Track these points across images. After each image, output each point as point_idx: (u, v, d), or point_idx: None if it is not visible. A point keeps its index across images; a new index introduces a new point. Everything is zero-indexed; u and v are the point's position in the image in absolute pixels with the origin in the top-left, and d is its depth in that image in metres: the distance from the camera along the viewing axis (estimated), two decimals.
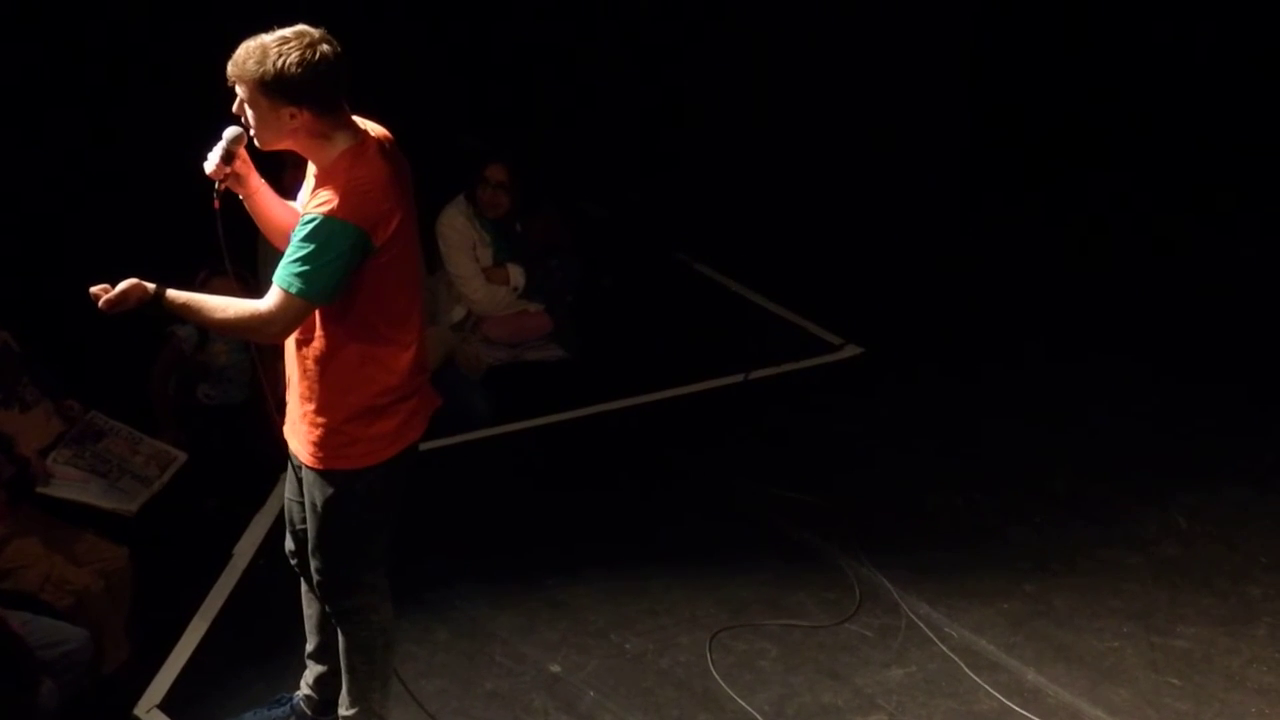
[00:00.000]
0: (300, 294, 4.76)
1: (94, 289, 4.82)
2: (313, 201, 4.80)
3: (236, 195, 5.00)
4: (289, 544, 5.46)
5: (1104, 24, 10.40)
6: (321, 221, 4.73)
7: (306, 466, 5.11)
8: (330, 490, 5.07)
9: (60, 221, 8.35)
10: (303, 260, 4.74)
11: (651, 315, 8.84)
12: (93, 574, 6.01)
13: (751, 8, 9.77)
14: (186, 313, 4.88)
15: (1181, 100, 10.37)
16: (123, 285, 4.81)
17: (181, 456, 6.71)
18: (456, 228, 7.95)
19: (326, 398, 4.98)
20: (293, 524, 5.41)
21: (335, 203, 4.73)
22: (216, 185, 4.90)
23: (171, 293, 4.84)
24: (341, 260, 4.74)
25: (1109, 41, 10.38)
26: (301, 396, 5.05)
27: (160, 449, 6.73)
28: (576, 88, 9.98)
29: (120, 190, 8.38)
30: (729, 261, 9.37)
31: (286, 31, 4.73)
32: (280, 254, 4.87)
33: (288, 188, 5.33)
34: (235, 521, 6.85)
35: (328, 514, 5.10)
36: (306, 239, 4.74)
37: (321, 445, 5.03)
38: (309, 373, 5.00)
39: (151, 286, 4.83)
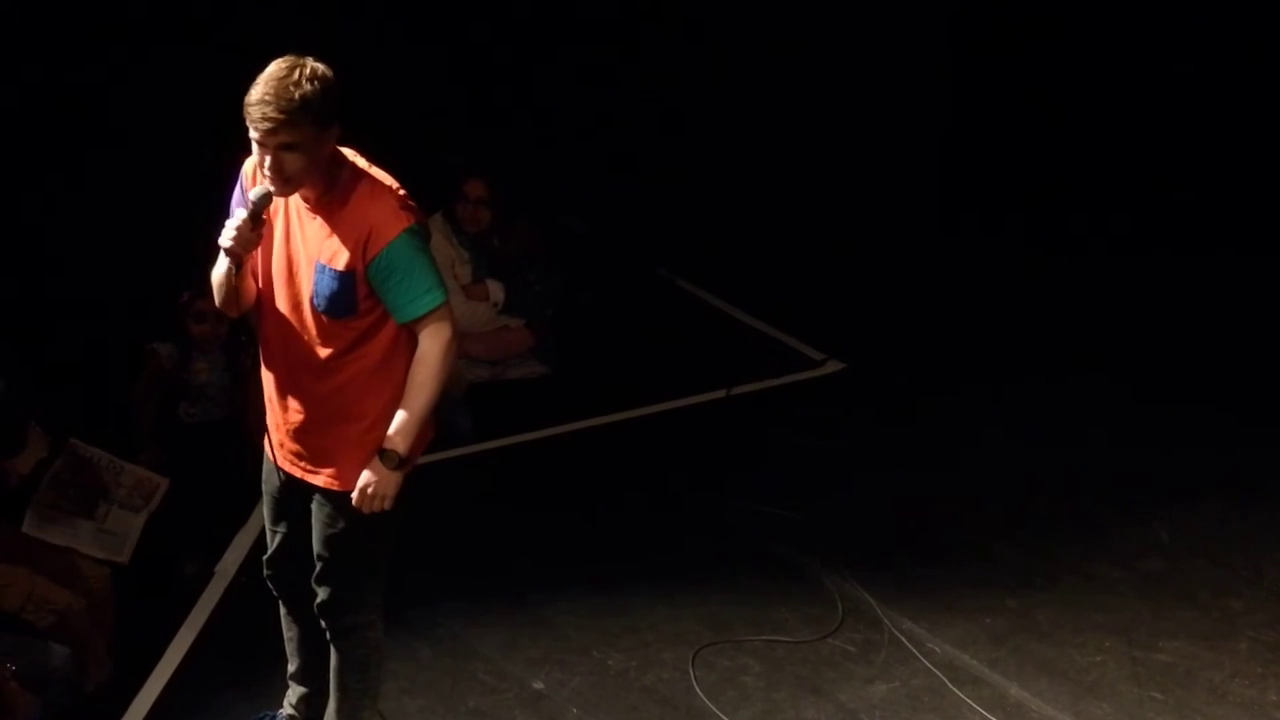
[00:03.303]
0: (438, 305, 4.86)
1: (360, 505, 4.93)
2: (367, 237, 4.77)
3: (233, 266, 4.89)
4: (268, 568, 5.42)
5: (1085, 39, 10.41)
6: (400, 241, 4.78)
7: (337, 491, 5.05)
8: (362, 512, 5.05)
9: (39, 227, 8.34)
10: (414, 283, 4.81)
11: (633, 331, 8.82)
12: (74, 593, 5.99)
13: (734, 23, 9.79)
14: (421, 423, 4.93)
15: (1163, 119, 10.37)
16: (371, 488, 4.92)
17: (164, 483, 6.68)
18: (435, 245, 7.89)
19: (381, 411, 4.95)
20: (273, 549, 5.36)
21: (398, 216, 4.80)
22: (234, 255, 4.83)
23: (397, 442, 4.90)
24: (428, 254, 4.89)
25: (1090, 58, 10.39)
26: (344, 420, 4.98)
27: (143, 476, 6.68)
28: (553, 100, 9.97)
29: (95, 200, 8.37)
30: (711, 277, 9.37)
31: (282, 63, 4.70)
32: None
33: None
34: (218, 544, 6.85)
35: (358, 535, 5.06)
36: (401, 264, 4.79)
37: (353, 466, 4.98)
38: (361, 392, 4.96)
39: (384, 463, 4.91)
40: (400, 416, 4.90)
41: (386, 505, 4.97)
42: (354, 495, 4.97)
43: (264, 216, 4.83)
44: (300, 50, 4.77)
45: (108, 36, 8.50)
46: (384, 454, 4.91)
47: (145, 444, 6.97)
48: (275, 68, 4.69)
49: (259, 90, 4.66)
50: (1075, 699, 6.14)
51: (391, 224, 4.79)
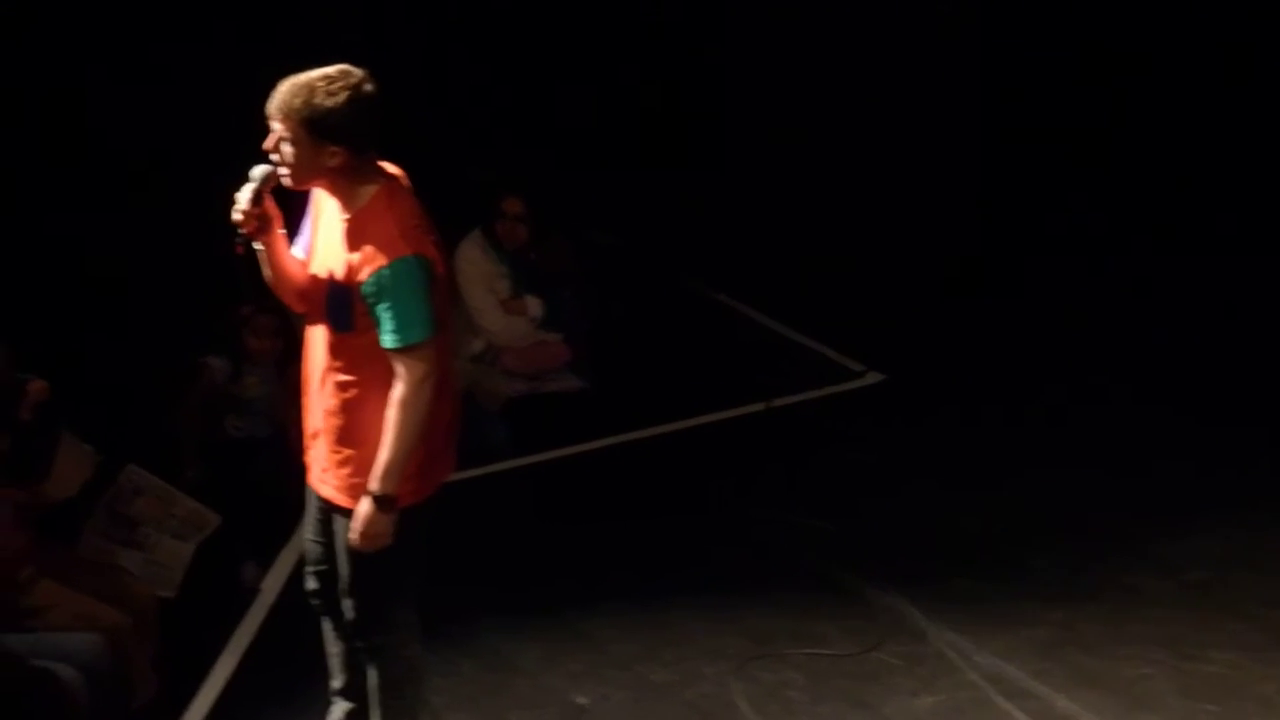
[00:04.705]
0: (416, 342, 4.80)
1: (357, 545, 4.97)
2: (362, 256, 4.78)
3: (255, 245, 4.92)
4: (309, 583, 5.44)
5: (1130, 41, 10.33)
6: (390, 270, 4.75)
7: (341, 508, 5.08)
8: None
9: (82, 245, 8.37)
10: (395, 313, 4.77)
11: (670, 344, 8.83)
12: (122, 610, 5.99)
13: (765, 34, 9.78)
14: (402, 467, 4.88)
15: (1211, 126, 10.30)
16: (361, 528, 4.93)
17: (216, 520, 6.68)
18: (474, 261, 7.96)
19: (378, 438, 4.93)
20: (314, 564, 5.39)
21: (394, 244, 4.76)
22: (240, 230, 4.87)
23: (381, 487, 4.89)
24: (422, 289, 4.79)
25: (1140, 61, 10.32)
26: (341, 440, 5.01)
27: (194, 508, 6.69)
28: (584, 114, 9.98)
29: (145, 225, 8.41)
30: (751, 289, 9.35)
31: (331, 70, 4.74)
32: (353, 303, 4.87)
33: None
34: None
35: (366, 554, 5.06)
36: (387, 293, 4.76)
37: (363, 486, 4.97)
38: (359, 413, 4.96)
39: (369, 505, 4.90)
40: (379, 458, 4.89)
41: (382, 544, 4.97)
42: (350, 534, 4.99)
43: (263, 192, 4.84)
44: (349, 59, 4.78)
45: (158, 46, 8.57)
46: (369, 495, 4.92)
47: (189, 459, 6.99)
48: (316, 71, 4.74)
49: (285, 81, 4.75)
50: (1125, 710, 6.08)
51: (386, 250, 4.78)
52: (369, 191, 4.85)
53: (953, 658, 6.37)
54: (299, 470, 5.31)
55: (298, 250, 5.06)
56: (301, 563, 5.59)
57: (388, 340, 4.81)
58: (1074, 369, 8.67)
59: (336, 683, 5.61)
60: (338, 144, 4.73)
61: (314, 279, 4.98)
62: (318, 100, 4.68)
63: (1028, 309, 9.29)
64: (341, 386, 4.97)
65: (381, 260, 4.76)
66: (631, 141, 9.97)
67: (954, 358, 8.74)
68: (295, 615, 5.99)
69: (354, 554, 5.07)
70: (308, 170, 4.79)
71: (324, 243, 4.96)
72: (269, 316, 6.86)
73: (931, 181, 9.91)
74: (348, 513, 5.04)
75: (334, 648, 5.56)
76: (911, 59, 9.75)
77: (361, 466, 4.97)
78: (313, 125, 4.69)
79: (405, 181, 4.97)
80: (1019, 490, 7.54)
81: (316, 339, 5.03)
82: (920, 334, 8.97)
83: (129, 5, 8.59)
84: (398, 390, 4.84)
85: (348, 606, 5.24)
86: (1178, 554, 7.06)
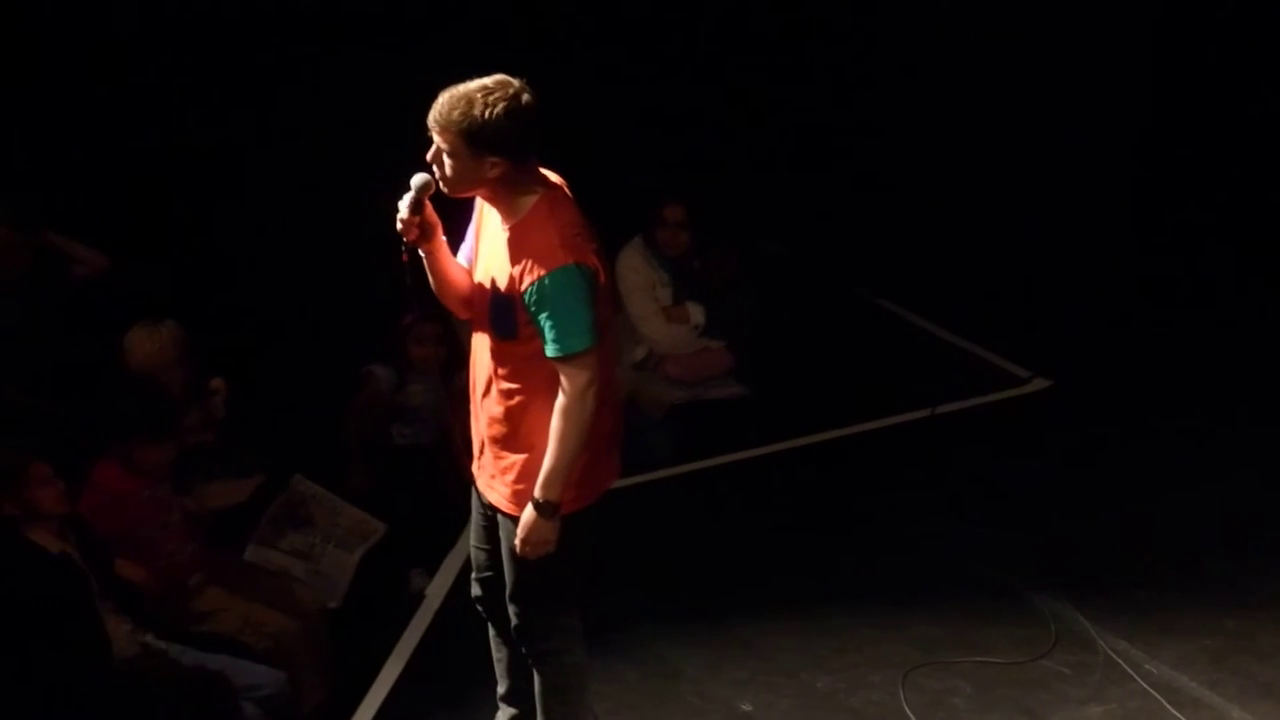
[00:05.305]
0: (579, 350, 4.81)
1: (521, 553, 5.01)
2: (524, 266, 4.80)
3: (420, 252, 4.98)
4: (475, 589, 5.48)
5: None
6: (550, 278, 4.77)
7: (506, 514, 5.11)
8: None
9: (248, 257, 8.51)
10: (557, 322, 4.79)
11: (833, 350, 8.78)
12: (289, 617, 6.08)
13: (931, 39, 9.72)
14: (566, 475, 4.91)
15: None
16: (525, 535, 4.96)
17: (381, 529, 6.77)
18: (635, 268, 7.98)
19: (542, 445, 4.95)
20: (479, 570, 5.43)
21: (555, 253, 4.77)
22: (405, 239, 4.92)
23: (545, 494, 4.91)
24: (584, 298, 4.80)
25: None
26: (506, 447, 5.04)
27: (360, 518, 6.78)
28: (750, 122, 9.97)
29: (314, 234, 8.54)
30: (913, 295, 9.30)
31: (488, 81, 4.75)
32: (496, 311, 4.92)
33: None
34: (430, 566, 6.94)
35: (530, 560, 5.08)
36: (548, 301, 4.78)
37: (528, 493, 5.00)
38: (523, 421, 4.99)
39: (533, 512, 4.94)
40: (544, 465, 4.91)
41: (546, 551, 5.00)
42: (515, 542, 5.02)
43: (422, 200, 4.86)
44: (510, 69, 4.81)
45: (321, 47, 8.70)
46: (533, 502, 4.95)
47: (356, 467, 7.08)
48: (475, 82, 4.76)
49: (445, 92, 4.77)
50: None
51: (546, 258, 4.78)
52: (529, 201, 4.87)
53: (1123, 667, 6.27)
54: (463, 476, 5.35)
55: (461, 258, 5.11)
56: (467, 569, 5.63)
57: (550, 349, 4.83)
58: (1245, 376, 8.49)
59: (502, 688, 5.65)
60: (496, 155, 4.76)
61: (478, 287, 5.02)
62: (475, 112, 4.71)
63: (1196, 313, 9.11)
64: (506, 394, 5.00)
65: (542, 269, 4.78)
66: (801, 149, 9.94)
67: (1120, 364, 8.59)
68: (461, 621, 6.03)
69: (519, 561, 5.10)
70: (468, 181, 4.83)
71: (487, 251, 5.00)
72: (431, 325, 6.93)
73: (1101, 183, 9.76)
74: (513, 519, 5.06)
75: (499, 653, 5.60)
76: (1078, 56, 9.61)
77: (526, 473, 5.00)
78: (471, 137, 4.72)
79: (566, 190, 4.98)
80: (1190, 499, 7.40)
81: (482, 346, 5.07)
82: (1087, 340, 8.83)
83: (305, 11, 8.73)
84: (561, 398, 4.87)
85: (513, 613, 5.27)
86: None
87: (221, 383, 6.85)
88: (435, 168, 4.84)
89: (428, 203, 4.91)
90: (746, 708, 6.10)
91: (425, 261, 5.00)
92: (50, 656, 5.33)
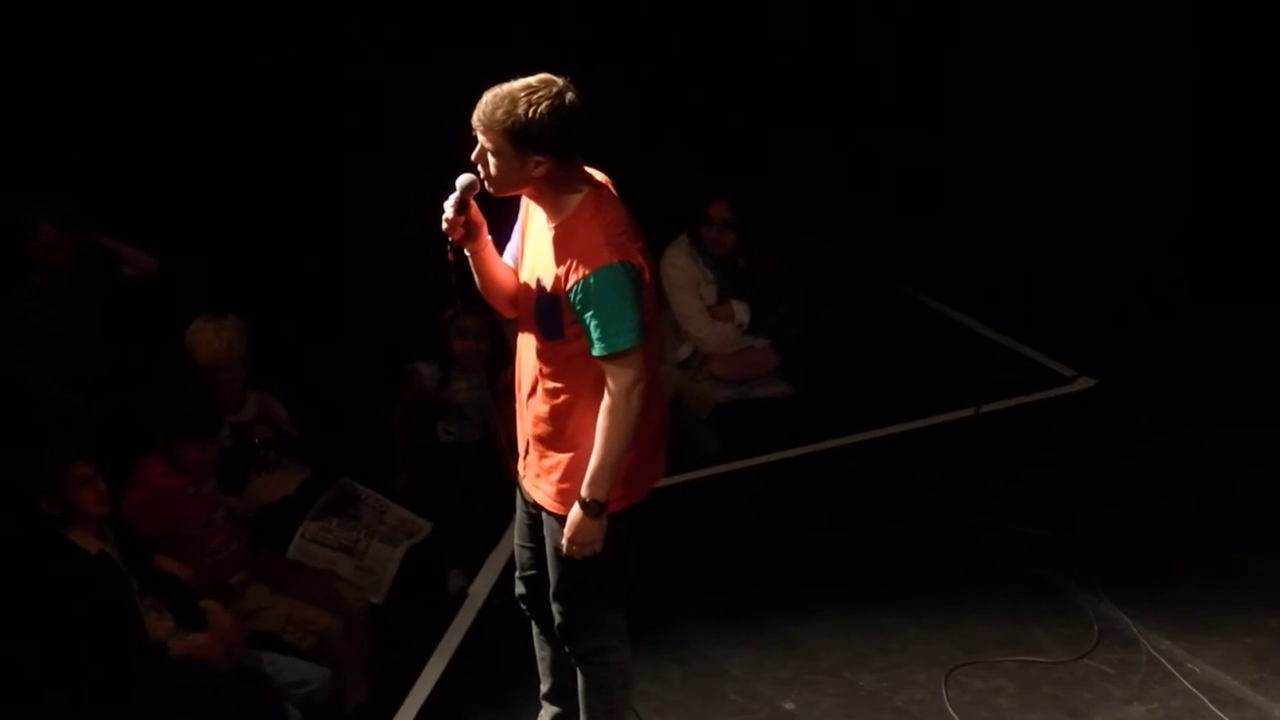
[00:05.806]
0: (625, 349, 4.82)
1: (568, 552, 5.01)
2: (569, 265, 4.81)
3: (465, 251, 5.00)
4: (519, 588, 5.50)
5: None
6: (596, 276, 4.78)
7: (552, 513, 5.13)
8: None
9: (294, 254, 8.56)
10: (602, 321, 4.80)
11: (879, 349, 8.78)
12: (333, 615, 6.11)
13: (971, 39, 9.70)
14: (612, 474, 4.92)
15: None
16: (572, 535, 4.97)
17: (426, 527, 6.80)
18: (680, 267, 7.98)
19: (590, 444, 4.96)
20: (523, 568, 5.44)
21: (600, 252, 4.78)
22: (450, 238, 4.95)
23: (591, 492, 4.92)
24: (629, 297, 4.81)
25: None
26: (552, 446, 5.05)
27: (406, 518, 6.83)
28: (794, 122, 9.96)
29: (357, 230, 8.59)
30: (958, 294, 9.29)
31: (533, 80, 4.76)
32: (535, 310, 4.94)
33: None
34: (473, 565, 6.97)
35: (575, 559, 5.08)
36: (593, 300, 4.79)
37: (573, 492, 5.02)
38: (569, 420, 5.01)
39: (579, 510, 4.94)
40: (590, 464, 4.92)
41: (593, 550, 5.00)
42: (562, 541, 5.02)
43: (467, 200, 4.89)
44: (557, 69, 4.82)
45: (370, 43, 8.73)
46: (579, 501, 4.96)
47: (401, 465, 7.11)
48: (520, 81, 4.77)
49: (489, 92, 4.78)
50: None
51: (591, 257, 4.79)
52: (575, 200, 4.88)
53: (1166, 666, 6.26)
54: (507, 474, 5.37)
55: (507, 258, 5.14)
56: (510, 567, 5.66)
57: (596, 348, 4.84)
58: None
59: (545, 686, 5.67)
60: (541, 154, 4.77)
61: (523, 287, 5.04)
62: (519, 111, 4.72)
63: (1242, 312, 9.06)
64: (552, 393, 5.01)
65: (587, 268, 4.79)
66: (846, 148, 9.93)
67: (1167, 363, 8.55)
68: (504, 619, 6.06)
69: (563, 559, 5.11)
70: (513, 180, 4.84)
71: (532, 250, 5.02)
72: (473, 318, 6.90)
73: (1151, 182, 9.70)
74: (558, 518, 5.08)
75: (543, 651, 5.62)
76: (1123, 52, 9.56)
77: (571, 472, 5.02)
78: (515, 136, 4.74)
79: (611, 188, 4.99)
80: (1234, 497, 7.39)
81: (527, 346, 5.08)
82: (1133, 339, 8.80)
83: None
84: (607, 398, 4.88)
85: (557, 611, 5.28)
86: None
87: (283, 409, 6.89)
88: (480, 167, 4.86)
89: (473, 202, 4.94)
90: (789, 706, 6.11)
91: (470, 261, 5.03)
92: (89, 656, 5.38)
